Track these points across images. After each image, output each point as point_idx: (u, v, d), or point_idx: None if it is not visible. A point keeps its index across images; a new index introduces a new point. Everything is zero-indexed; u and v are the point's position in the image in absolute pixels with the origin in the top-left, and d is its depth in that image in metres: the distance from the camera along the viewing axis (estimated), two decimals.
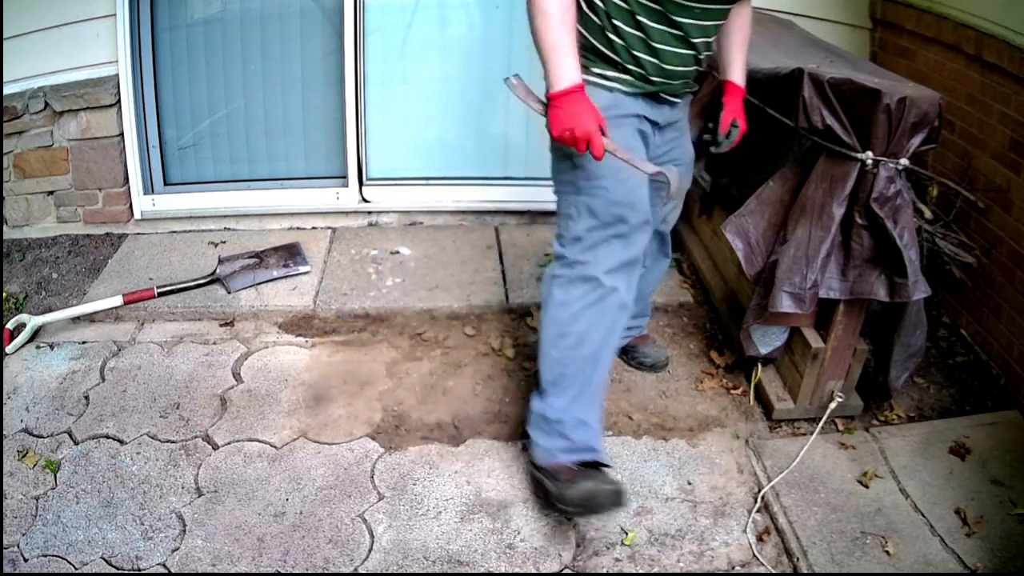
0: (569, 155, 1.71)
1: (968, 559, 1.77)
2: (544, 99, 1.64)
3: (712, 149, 2.06)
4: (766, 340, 2.22)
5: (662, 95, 1.78)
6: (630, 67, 1.69)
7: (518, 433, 2.18)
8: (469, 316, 2.67)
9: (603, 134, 1.59)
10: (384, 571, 1.78)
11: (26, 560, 1.76)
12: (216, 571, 1.76)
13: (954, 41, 2.47)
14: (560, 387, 1.84)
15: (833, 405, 2.14)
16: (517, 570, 1.80)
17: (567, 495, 1.75)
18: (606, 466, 1.82)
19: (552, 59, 1.57)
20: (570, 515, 1.86)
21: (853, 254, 1.92)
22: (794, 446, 2.10)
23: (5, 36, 2.73)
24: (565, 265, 1.80)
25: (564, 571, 1.80)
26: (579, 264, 1.77)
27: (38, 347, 2.46)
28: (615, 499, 1.74)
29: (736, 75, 1.98)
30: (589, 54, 1.70)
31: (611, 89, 1.71)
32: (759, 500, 1.97)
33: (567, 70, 1.57)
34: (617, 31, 1.65)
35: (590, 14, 1.67)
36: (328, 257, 2.95)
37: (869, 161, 1.82)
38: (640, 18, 1.63)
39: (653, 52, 1.68)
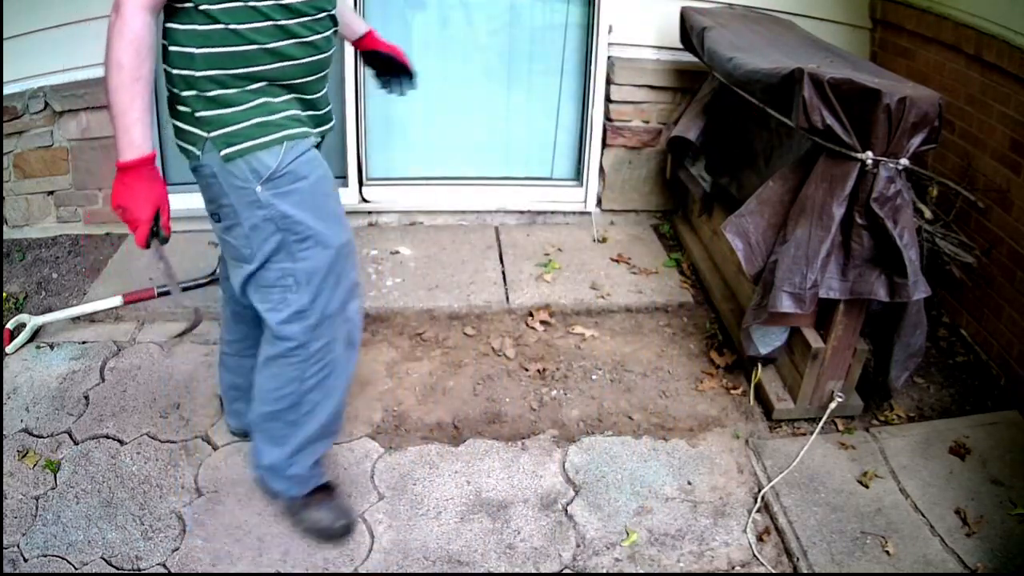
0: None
1: (968, 559, 1.77)
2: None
3: (396, 90, 2.03)
4: (766, 340, 2.22)
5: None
6: None
7: (518, 433, 2.18)
8: (469, 316, 2.67)
9: (158, 223, 1.47)
10: (384, 571, 1.78)
11: (26, 560, 1.76)
12: (216, 571, 1.76)
13: (954, 41, 2.47)
14: (279, 440, 1.79)
15: (833, 405, 2.14)
16: (517, 570, 1.80)
17: (300, 518, 1.85)
18: (334, 486, 1.91)
19: (122, 121, 1.39)
20: (302, 535, 1.86)
21: (853, 254, 1.92)
22: (794, 446, 2.10)
23: (5, 36, 2.72)
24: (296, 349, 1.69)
25: (564, 571, 1.80)
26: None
27: (38, 347, 2.46)
28: (345, 531, 1.84)
29: (361, 25, 1.95)
30: None
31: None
32: (759, 500, 1.97)
33: (133, 131, 1.39)
34: None
35: None
36: None
37: (869, 161, 1.82)
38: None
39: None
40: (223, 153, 1.49)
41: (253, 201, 1.53)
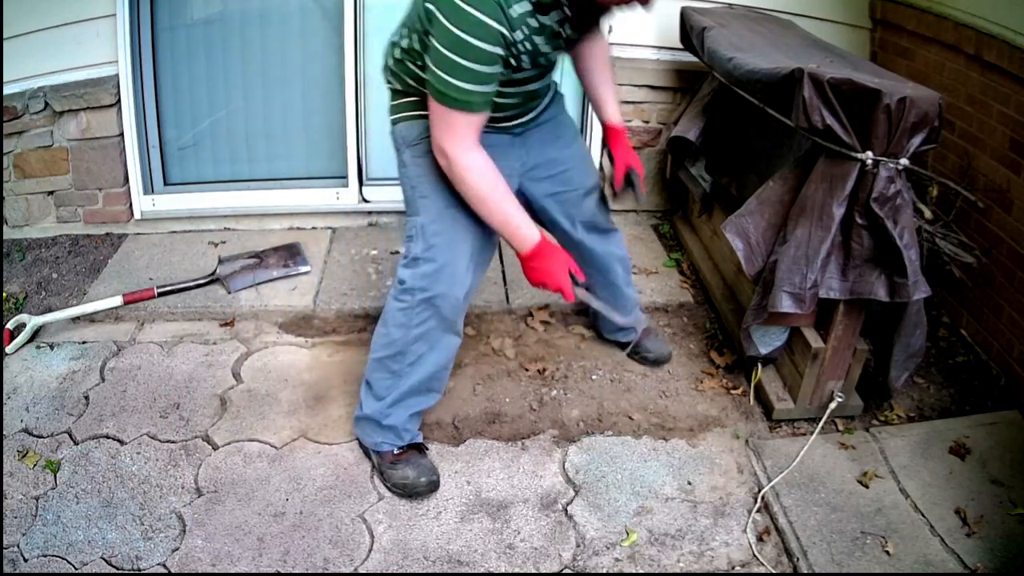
0: (408, 180, 1.85)
1: (968, 559, 1.77)
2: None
3: (612, 205, 2.14)
4: (766, 340, 2.22)
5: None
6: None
7: (518, 433, 2.18)
8: (469, 316, 2.66)
9: (572, 277, 1.74)
10: (384, 571, 1.78)
11: (26, 560, 1.76)
12: (216, 571, 1.77)
13: (954, 41, 2.47)
14: (381, 390, 1.95)
15: (833, 405, 2.14)
16: (517, 570, 1.80)
17: (387, 475, 1.97)
18: (426, 448, 2.04)
19: (507, 231, 1.71)
20: (389, 491, 1.98)
21: (853, 254, 1.92)
22: (794, 446, 2.10)
23: (5, 36, 2.73)
24: (405, 292, 1.86)
25: (564, 571, 1.80)
26: (418, 291, 1.83)
27: (38, 347, 2.46)
28: (430, 488, 1.95)
29: (613, 114, 2.01)
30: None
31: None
32: (759, 500, 1.97)
33: (522, 231, 1.70)
34: None
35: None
36: (328, 257, 2.95)
37: (869, 161, 1.82)
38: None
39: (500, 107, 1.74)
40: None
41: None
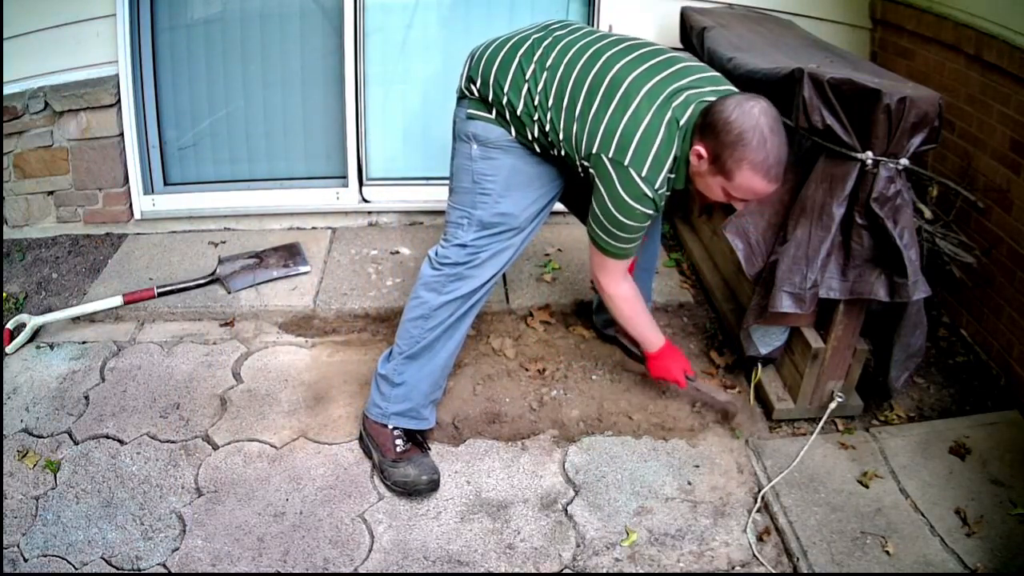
0: (471, 172, 1.92)
1: (968, 559, 1.77)
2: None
3: None
4: (766, 340, 2.22)
5: None
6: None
7: (518, 433, 2.18)
8: None
9: (686, 375, 2.13)
10: (384, 571, 1.78)
11: (26, 560, 1.76)
12: (216, 571, 1.77)
13: (954, 41, 2.47)
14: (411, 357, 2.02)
15: (833, 405, 2.14)
16: (517, 570, 1.80)
17: (388, 473, 1.99)
18: (427, 448, 2.08)
19: (642, 335, 2.09)
20: (389, 489, 2.00)
21: (853, 254, 1.92)
22: (794, 446, 2.10)
23: (5, 36, 2.73)
24: (444, 265, 1.95)
25: (564, 571, 1.80)
26: (459, 265, 1.94)
27: (38, 347, 2.46)
28: (431, 486, 1.98)
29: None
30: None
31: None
32: (759, 500, 1.97)
33: (652, 338, 2.09)
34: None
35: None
36: (328, 257, 2.95)
37: (869, 161, 1.82)
38: None
39: None
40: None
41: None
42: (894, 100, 1.75)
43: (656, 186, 1.72)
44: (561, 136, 1.80)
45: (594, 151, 1.73)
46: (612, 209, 1.75)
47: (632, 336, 2.11)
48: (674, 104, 1.69)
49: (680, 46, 2.82)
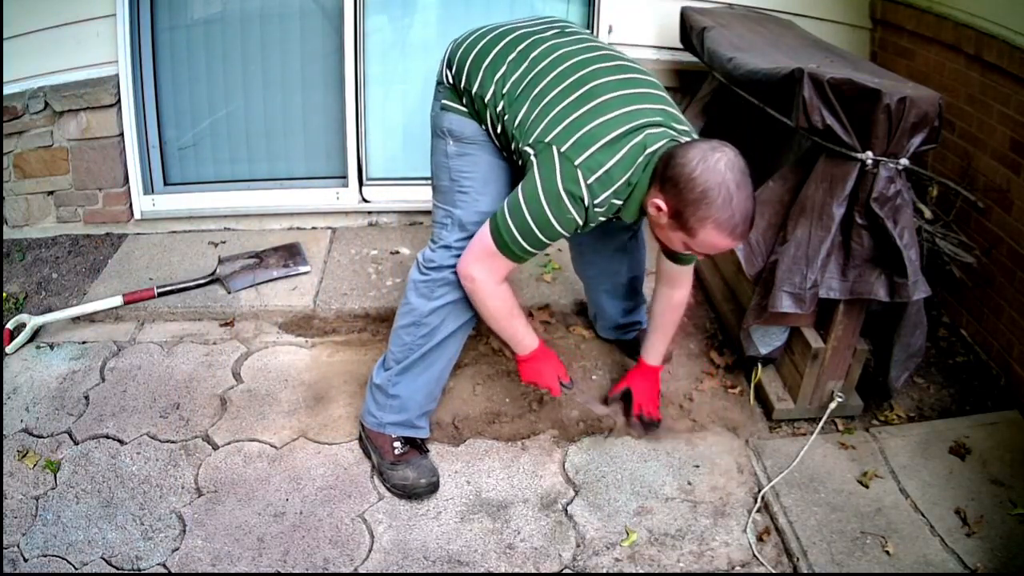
0: (448, 170, 1.86)
1: (968, 559, 1.77)
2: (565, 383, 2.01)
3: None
4: (766, 340, 2.22)
5: None
6: None
7: (518, 433, 2.18)
8: None
9: (561, 381, 1.98)
10: (384, 571, 1.78)
11: (26, 560, 1.76)
12: (216, 571, 1.77)
13: (954, 41, 2.47)
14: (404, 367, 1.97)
15: (833, 405, 2.14)
16: (517, 570, 1.80)
17: (387, 475, 1.99)
18: (426, 450, 2.06)
19: (513, 336, 1.91)
20: (389, 491, 2.00)
21: (853, 254, 1.92)
22: (794, 446, 2.10)
23: (5, 36, 2.73)
24: (431, 269, 1.89)
25: (564, 571, 1.80)
26: (446, 269, 1.86)
27: (38, 347, 2.46)
28: (430, 489, 1.97)
29: (653, 357, 2.15)
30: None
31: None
32: (759, 500, 1.97)
33: (523, 341, 1.91)
34: None
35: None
36: (328, 257, 2.95)
37: (869, 161, 1.82)
38: None
39: None
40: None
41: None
42: (894, 100, 1.75)
43: (597, 201, 1.59)
44: (516, 121, 1.68)
45: (546, 140, 1.60)
46: (541, 198, 1.59)
47: (501, 336, 1.93)
48: (648, 132, 1.59)
49: (680, 46, 2.83)
